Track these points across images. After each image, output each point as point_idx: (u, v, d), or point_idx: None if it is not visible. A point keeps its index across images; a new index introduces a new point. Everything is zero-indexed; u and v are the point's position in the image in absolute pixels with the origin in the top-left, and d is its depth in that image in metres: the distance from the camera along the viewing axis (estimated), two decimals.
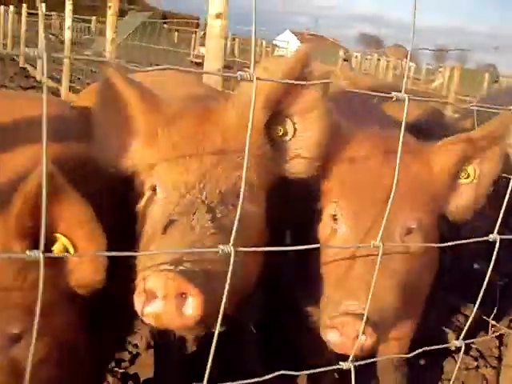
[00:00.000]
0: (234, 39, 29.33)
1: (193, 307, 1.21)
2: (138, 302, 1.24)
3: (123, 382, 2.53)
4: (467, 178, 1.77)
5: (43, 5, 13.12)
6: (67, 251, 1.23)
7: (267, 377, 1.17)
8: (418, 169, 1.72)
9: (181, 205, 1.41)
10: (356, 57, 29.30)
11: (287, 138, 1.60)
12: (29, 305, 1.11)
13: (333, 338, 1.49)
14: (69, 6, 9.18)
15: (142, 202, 1.54)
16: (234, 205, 1.45)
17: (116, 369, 2.61)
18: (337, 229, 1.69)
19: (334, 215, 1.69)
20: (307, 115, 1.56)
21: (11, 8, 17.86)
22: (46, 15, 17.74)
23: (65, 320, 1.30)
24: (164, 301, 1.20)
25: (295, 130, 1.59)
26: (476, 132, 1.73)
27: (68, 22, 9.11)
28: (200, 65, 20.01)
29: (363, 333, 1.42)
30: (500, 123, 1.68)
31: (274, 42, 34.92)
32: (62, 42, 17.36)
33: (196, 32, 29.52)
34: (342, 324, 1.46)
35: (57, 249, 1.22)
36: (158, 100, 1.59)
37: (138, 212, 1.56)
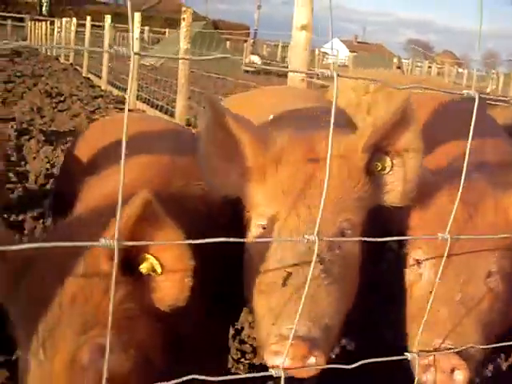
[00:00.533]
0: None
1: None
2: (268, 357, 1.39)
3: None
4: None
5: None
6: (154, 271, 1.29)
7: None
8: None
9: (294, 254, 1.49)
10: (405, 64, 29.27)
11: (384, 172, 1.70)
12: (116, 320, 1.18)
13: (429, 377, 1.54)
14: (137, 18, 9.75)
15: (251, 238, 1.62)
16: (340, 247, 1.56)
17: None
18: (421, 273, 1.77)
19: (418, 260, 1.78)
20: (404, 153, 1.66)
21: (74, 20, 18.61)
22: (96, 26, 18.42)
23: (147, 335, 1.36)
24: (291, 361, 1.35)
25: (392, 165, 1.69)
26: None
27: (136, 32, 9.69)
28: (253, 73, 20.46)
29: (457, 368, 1.51)
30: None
31: (323, 50, 35.12)
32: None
33: (247, 40, 30.05)
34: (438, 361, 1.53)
35: (145, 268, 1.29)
36: (267, 138, 1.64)
37: (247, 246, 1.64)
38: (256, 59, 25.73)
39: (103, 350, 1.10)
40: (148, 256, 1.28)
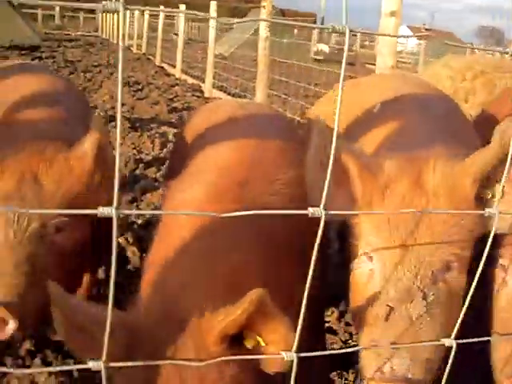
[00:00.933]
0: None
1: None
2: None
3: None
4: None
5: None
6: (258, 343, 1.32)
7: None
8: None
9: (399, 290, 1.48)
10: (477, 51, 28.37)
11: (495, 200, 1.61)
12: None
13: None
14: (213, 7, 9.84)
15: (357, 267, 1.63)
16: (444, 281, 1.52)
17: None
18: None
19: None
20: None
21: (147, 11, 18.90)
22: (168, 16, 18.70)
23: None
24: None
25: (503, 192, 1.57)
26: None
27: (212, 22, 9.76)
28: (320, 61, 20.32)
29: None
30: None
31: None
32: (187, 43, 18.33)
33: (314, 29, 29.79)
34: None
35: (248, 342, 1.31)
36: (375, 167, 1.62)
37: (352, 273, 1.65)
38: (324, 47, 25.52)
39: None
40: (256, 335, 1.29)
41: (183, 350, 1.23)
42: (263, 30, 7.10)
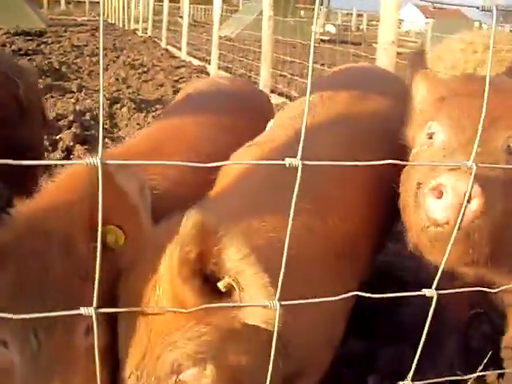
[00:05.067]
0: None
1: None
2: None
3: None
4: None
5: None
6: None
7: None
8: None
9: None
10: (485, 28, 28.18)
11: None
12: None
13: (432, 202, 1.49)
14: None
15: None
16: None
17: None
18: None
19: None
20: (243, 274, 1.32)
21: None
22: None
23: None
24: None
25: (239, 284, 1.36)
26: None
27: (216, 3, 9.77)
28: (327, 42, 20.23)
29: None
30: None
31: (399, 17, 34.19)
32: (192, 25, 18.30)
33: (321, 9, 29.61)
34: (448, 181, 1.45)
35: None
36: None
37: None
38: (331, 28, 25.37)
39: None
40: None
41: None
42: (267, 10, 7.10)
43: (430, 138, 1.75)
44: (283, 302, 1.10)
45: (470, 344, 2.56)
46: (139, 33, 19.62)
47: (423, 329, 1.27)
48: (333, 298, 1.18)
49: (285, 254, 1.06)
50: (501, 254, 1.63)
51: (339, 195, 1.80)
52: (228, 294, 1.27)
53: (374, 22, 29.21)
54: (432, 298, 1.19)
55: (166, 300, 1.23)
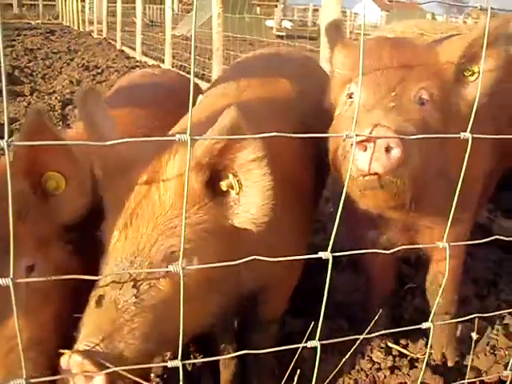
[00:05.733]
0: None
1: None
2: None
3: None
4: (472, 75, 1.92)
5: None
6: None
7: None
8: (427, 57, 1.91)
9: None
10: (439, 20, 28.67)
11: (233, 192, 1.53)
12: None
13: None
14: None
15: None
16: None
17: None
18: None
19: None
20: (250, 173, 1.48)
21: None
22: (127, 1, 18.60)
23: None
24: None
25: (240, 184, 1.50)
26: (477, 31, 1.86)
27: (168, 1, 9.80)
28: (283, 38, 20.36)
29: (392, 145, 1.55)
30: (498, 24, 1.81)
31: (354, 11, 34.49)
32: (148, 25, 18.20)
33: (277, 6, 29.79)
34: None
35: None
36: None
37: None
38: (287, 24, 25.54)
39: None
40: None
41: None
42: (216, 7, 7.17)
43: (350, 97, 1.89)
44: (188, 267, 1.22)
45: (403, 316, 2.71)
46: (94, 35, 19.48)
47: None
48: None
49: None
50: (421, 197, 1.82)
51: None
52: (224, 194, 1.51)
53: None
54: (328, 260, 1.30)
55: (172, 187, 1.46)
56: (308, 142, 2.02)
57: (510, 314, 2.63)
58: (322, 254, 1.29)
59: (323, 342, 1.29)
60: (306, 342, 1.40)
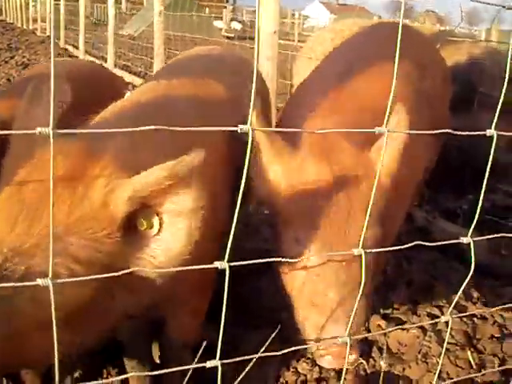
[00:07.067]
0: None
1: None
2: None
3: None
4: None
5: None
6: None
7: None
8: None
9: None
10: None
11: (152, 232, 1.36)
12: None
13: (328, 361, 1.69)
14: None
15: None
16: None
17: None
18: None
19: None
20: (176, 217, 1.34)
21: None
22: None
23: None
24: None
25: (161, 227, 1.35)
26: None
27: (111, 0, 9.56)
28: (232, 39, 20.30)
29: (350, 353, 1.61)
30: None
31: (304, 13, 34.73)
32: (95, 24, 17.88)
33: (226, 7, 29.73)
34: (334, 353, 1.65)
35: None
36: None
37: None
38: (236, 25, 25.48)
39: None
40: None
41: None
42: (157, 5, 7.02)
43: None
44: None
45: None
46: (38, 32, 19.00)
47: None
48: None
49: None
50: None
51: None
52: (139, 233, 1.32)
53: (281, 20, 29.60)
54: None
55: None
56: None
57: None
58: (217, 264, 1.14)
59: (224, 361, 1.15)
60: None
